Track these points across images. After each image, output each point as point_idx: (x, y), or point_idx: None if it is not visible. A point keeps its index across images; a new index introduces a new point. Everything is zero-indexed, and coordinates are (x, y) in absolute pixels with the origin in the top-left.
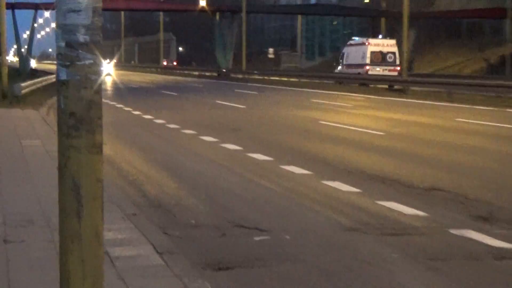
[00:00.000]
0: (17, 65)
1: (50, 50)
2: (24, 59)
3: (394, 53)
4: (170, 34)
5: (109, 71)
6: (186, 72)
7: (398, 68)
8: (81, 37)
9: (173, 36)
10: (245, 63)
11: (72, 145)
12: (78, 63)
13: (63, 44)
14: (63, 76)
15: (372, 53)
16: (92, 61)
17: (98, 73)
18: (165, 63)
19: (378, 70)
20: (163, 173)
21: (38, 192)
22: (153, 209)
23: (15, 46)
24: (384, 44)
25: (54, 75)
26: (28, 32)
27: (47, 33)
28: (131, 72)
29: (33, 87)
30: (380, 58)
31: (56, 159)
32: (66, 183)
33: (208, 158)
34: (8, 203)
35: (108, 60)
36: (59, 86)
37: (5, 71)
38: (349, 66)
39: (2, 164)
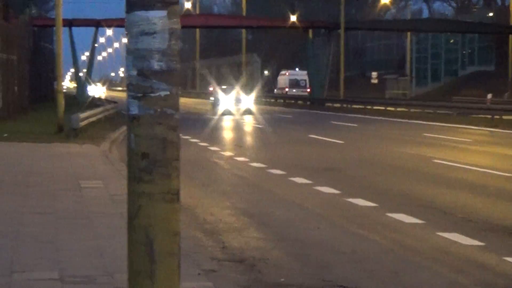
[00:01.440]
0: (74, 91)
1: (112, 74)
2: (82, 85)
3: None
4: (254, 55)
5: (248, 106)
6: (272, 100)
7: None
8: (156, 64)
9: (257, 57)
10: (343, 90)
11: (144, 192)
12: (151, 95)
13: (134, 72)
14: (135, 110)
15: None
16: (168, 93)
17: (175, 106)
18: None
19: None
20: (245, 221)
21: (100, 243)
22: (234, 264)
23: (71, 70)
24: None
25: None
26: (87, 54)
27: (109, 54)
28: (207, 100)
29: (93, 118)
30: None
31: (120, 203)
32: (137, 236)
33: (299, 203)
34: (65, 256)
35: (240, 92)
36: (129, 122)
37: (61, 99)
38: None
39: (59, 210)
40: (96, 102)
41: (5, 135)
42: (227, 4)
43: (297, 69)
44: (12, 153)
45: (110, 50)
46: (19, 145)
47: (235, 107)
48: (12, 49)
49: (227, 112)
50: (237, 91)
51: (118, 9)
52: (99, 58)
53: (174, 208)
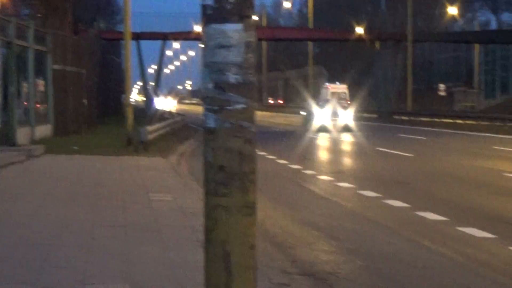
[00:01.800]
0: (142, 104)
1: (179, 87)
2: (150, 98)
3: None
4: (321, 68)
5: (346, 121)
6: None
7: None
8: (232, 77)
9: (324, 70)
10: (410, 102)
11: (221, 205)
12: (228, 108)
13: (211, 85)
14: (211, 124)
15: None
16: (244, 106)
17: (251, 119)
18: (271, 101)
19: None
20: (315, 235)
21: (171, 257)
22: (305, 278)
23: (139, 83)
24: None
25: (183, 117)
26: (154, 67)
27: (175, 67)
28: (274, 113)
29: (162, 131)
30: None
31: (190, 216)
32: (214, 249)
33: (368, 217)
34: (136, 268)
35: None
36: (206, 135)
37: (129, 112)
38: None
39: (129, 222)
40: (163, 115)
41: (75, 148)
42: (293, 17)
43: (337, 83)
44: (82, 165)
45: (177, 63)
46: (89, 157)
47: (332, 123)
48: (81, 62)
49: (322, 129)
50: (333, 104)
51: (185, 23)
52: (166, 71)
53: (251, 221)
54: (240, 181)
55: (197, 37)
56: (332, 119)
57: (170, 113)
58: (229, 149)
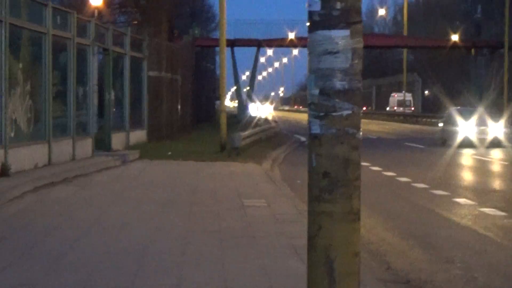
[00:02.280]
0: (235, 111)
1: (272, 94)
2: (243, 104)
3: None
4: (415, 75)
5: (496, 134)
6: (433, 120)
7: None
8: (338, 83)
9: (418, 77)
10: (507, 110)
11: (325, 211)
12: (334, 114)
13: (316, 91)
14: (316, 130)
15: None
16: (350, 112)
17: (357, 125)
18: (363, 108)
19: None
20: (410, 242)
21: (265, 263)
22: (400, 286)
23: (232, 89)
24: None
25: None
26: (247, 73)
27: (269, 74)
28: (367, 120)
29: (255, 137)
30: None
31: (284, 223)
32: (317, 256)
33: (464, 224)
34: (231, 275)
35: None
36: (310, 141)
37: (223, 118)
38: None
39: (223, 228)
40: (258, 122)
41: (169, 153)
42: (388, 24)
43: (403, 91)
44: (176, 171)
45: (270, 70)
46: (183, 163)
47: (479, 137)
48: (176, 69)
49: (466, 143)
50: (480, 114)
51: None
52: (259, 77)
53: (355, 228)
54: (345, 188)
55: (291, 44)
56: (480, 132)
57: (266, 119)
58: (334, 156)
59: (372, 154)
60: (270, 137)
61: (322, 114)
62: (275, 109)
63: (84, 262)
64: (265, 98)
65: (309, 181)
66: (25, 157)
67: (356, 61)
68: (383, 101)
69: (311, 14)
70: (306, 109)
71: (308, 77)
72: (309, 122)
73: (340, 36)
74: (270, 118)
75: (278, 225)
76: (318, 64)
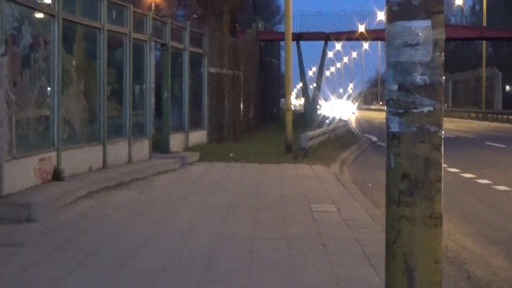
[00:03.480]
0: (301, 109)
1: (341, 90)
2: (311, 102)
3: None
4: (495, 70)
5: None
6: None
7: None
8: (418, 77)
9: (498, 72)
10: None
11: (405, 215)
12: (414, 110)
13: (395, 87)
14: (395, 128)
15: None
16: (431, 108)
17: (439, 123)
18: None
19: None
20: (491, 250)
21: (336, 271)
22: None
23: (298, 86)
24: None
25: (346, 123)
26: (314, 69)
27: (337, 70)
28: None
29: (323, 137)
30: None
31: (355, 228)
32: (396, 263)
33: None
34: (299, 284)
35: None
36: (389, 140)
37: (289, 117)
38: None
39: (290, 235)
40: (325, 120)
41: (231, 155)
42: (465, 14)
43: None
44: (240, 174)
45: (338, 65)
46: (246, 165)
47: None
48: (239, 65)
49: None
50: None
51: (347, 22)
52: (327, 73)
53: (436, 234)
54: (426, 190)
55: (361, 37)
56: None
57: (345, 123)
58: (414, 155)
59: (449, 154)
60: (339, 137)
61: (401, 111)
62: (359, 108)
63: (147, 269)
64: (348, 96)
65: (387, 183)
66: (78, 160)
67: (437, 54)
68: (460, 97)
69: (389, 4)
70: (377, 106)
71: (386, 72)
72: (387, 119)
73: (420, 27)
74: (352, 121)
75: (349, 231)
76: (397, 57)
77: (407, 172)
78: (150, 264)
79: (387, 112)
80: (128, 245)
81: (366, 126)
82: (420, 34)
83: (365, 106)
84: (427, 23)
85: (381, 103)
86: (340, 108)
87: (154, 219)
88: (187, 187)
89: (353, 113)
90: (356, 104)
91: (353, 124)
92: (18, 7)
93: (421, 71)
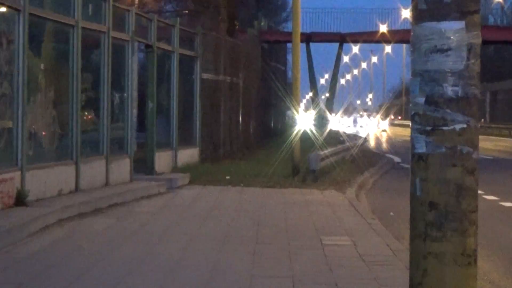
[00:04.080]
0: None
1: (358, 102)
2: (323, 115)
3: None
4: None
5: None
6: None
7: None
8: (450, 89)
9: None
10: None
11: (432, 252)
12: (444, 128)
13: (422, 99)
14: (421, 148)
15: None
16: (464, 125)
17: (473, 143)
18: None
19: None
20: None
21: None
22: None
23: (307, 96)
24: None
25: (363, 141)
26: (326, 76)
27: (354, 78)
28: (480, 136)
29: (336, 157)
30: None
31: (374, 266)
32: None
33: None
34: None
35: None
36: (414, 163)
37: (297, 133)
38: None
39: (296, 273)
40: (339, 138)
41: (228, 177)
42: (507, 13)
43: None
44: (237, 200)
45: (355, 72)
46: (245, 190)
47: None
48: (238, 71)
49: None
50: None
51: (365, 22)
52: (341, 81)
53: (470, 274)
54: (458, 222)
55: (382, 39)
56: None
57: (355, 137)
58: (444, 181)
59: (486, 179)
60: (356, 157)
61: (429, 128)
62: (391, 124)
63: None
64: (373, 110)
65: (411, 213)
66: (46, 181)
67: (472, 61)
68: (500, 111)
69: (415, 1)
70: (400, 121)
71: (412, 82)
72: (412, 138)
73: (452, 29)
74: (383, 141)
75: (366, 269)
76: (424, 64)
77: (436, 200)
78: None
79: (413, 130)
80: (102, 284)
81: (388, 145)
82: (452, 37)
83: (397, 122)
84: (461, 24)
85: (399, 117)
86: (364, 124)
87: (135, 253)
88: (174, 214)
89: (384, 131)
90: (387, 120)
91: (378, 143)
92: None
93: (453, 81)
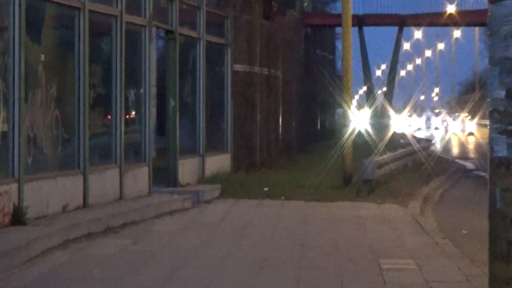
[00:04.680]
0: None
1: (422, 97)
2: (381, 112)
3: None
4: None
5: None
6: None
7: None
8: None
9: None
10: None
11: None
12: None
13: (502, 93)
14: (502, 151)
15: None
16: None
17: None
18: None
19: None
20: None
21: None
22: None
23: (361, 90)
24: None
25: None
26: (383, 67)
27: (417, 68)
28: None
29: (397, 164)
30: None
31: None
32: None
33: None
34: None
35: None
36: (493, 169)
37: (349, 136)
38: None
39: None
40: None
41: (266, 189)
42: None
43: None
44: (277, 216)
45: (418, 61)
46: (287, 204)
47: None
48: (277, 61)
49: None
50: None
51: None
52: (402, 73)
53: None
54: None
55: (450, 22)
56: None
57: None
58: None
59: None
60: (420, 163)
61: (511, 127)
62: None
63: None
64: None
65: (491, 231)
66: (49, 195)
67: None
68: None
69: None
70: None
71: (490, 72)
72: (491, 139)
73: None
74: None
75: None
76: (504, 51)
77: None
78: None
79: (491, 129)
80: None
81: (459, 149)
82: None
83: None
84: None
85: (467, 114)
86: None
87: (153, 281)
88: (202, 234)
89: (471, 134)
90: (476, 119)
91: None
92: None
93: None
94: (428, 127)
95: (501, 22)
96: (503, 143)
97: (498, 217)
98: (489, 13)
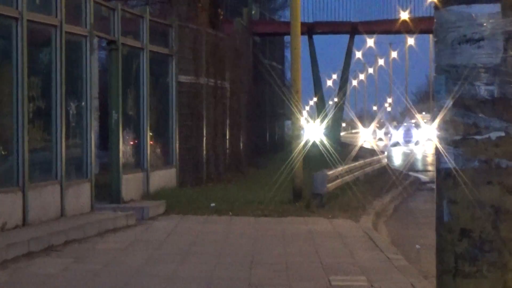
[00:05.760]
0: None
1: (374, 108)
2: (335, 125)
3: None
4: None
5: None
6: None
7: None
8: (483, 88)
9: None
10: None
11: None
12: (477, 137)
13: (448, 102)
14: (449, 162)
15: None
16: (502, 134)
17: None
18: None
19: None
20: None
21: None
22: None
23: (311, 102)
24: None
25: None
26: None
27: (369, 77)
28: None
29: (348, 177)
30: None
31: None
32: None
33: None
34: None
35: None
36: (441, 181)
37: (298, 149)
38: None
39: None
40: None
41: (212, 205)
42: None
43: None
44: (225, 233)
45: (370, 70)
46: (235, 220)
47: None
48: (223, 71)
49: None
50: None
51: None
52: (354, 82)
53: None
54: (496, 254)
55: (403, 29)
56: None
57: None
58: (478, 203)
59: None
60: (373, 176)
61: (458, 137)
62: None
63: None
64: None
65: (438, 244)
66: None
67: (511, 53)
68: None
69: None
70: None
71: (436, 80)
72: (438, 150)
73: (485, 14)
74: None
75: None
76: (451, 58)
77: (468, 227)
78: None
79: (438, 139)
80: None
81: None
82: (485, 24)
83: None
84: (495, 8)
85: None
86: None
87: None
88: (146, 252)
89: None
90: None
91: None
92: None
93: (487, 79)
94: (408, 141)
95: (447, 29)
96: (450, 153)
97: (445, 230)
98: (435, 19)
